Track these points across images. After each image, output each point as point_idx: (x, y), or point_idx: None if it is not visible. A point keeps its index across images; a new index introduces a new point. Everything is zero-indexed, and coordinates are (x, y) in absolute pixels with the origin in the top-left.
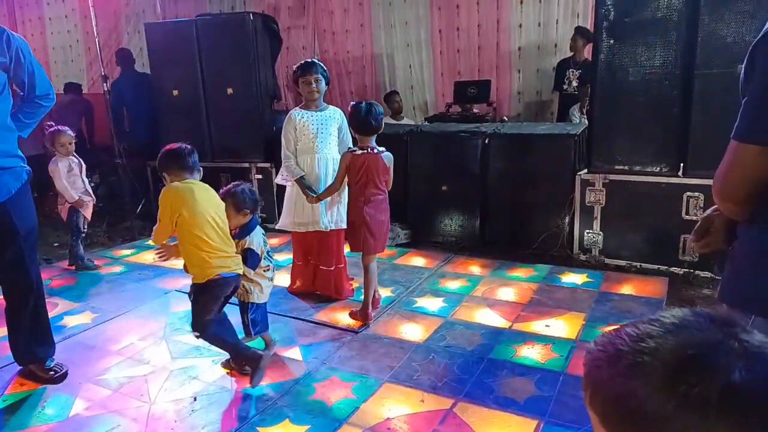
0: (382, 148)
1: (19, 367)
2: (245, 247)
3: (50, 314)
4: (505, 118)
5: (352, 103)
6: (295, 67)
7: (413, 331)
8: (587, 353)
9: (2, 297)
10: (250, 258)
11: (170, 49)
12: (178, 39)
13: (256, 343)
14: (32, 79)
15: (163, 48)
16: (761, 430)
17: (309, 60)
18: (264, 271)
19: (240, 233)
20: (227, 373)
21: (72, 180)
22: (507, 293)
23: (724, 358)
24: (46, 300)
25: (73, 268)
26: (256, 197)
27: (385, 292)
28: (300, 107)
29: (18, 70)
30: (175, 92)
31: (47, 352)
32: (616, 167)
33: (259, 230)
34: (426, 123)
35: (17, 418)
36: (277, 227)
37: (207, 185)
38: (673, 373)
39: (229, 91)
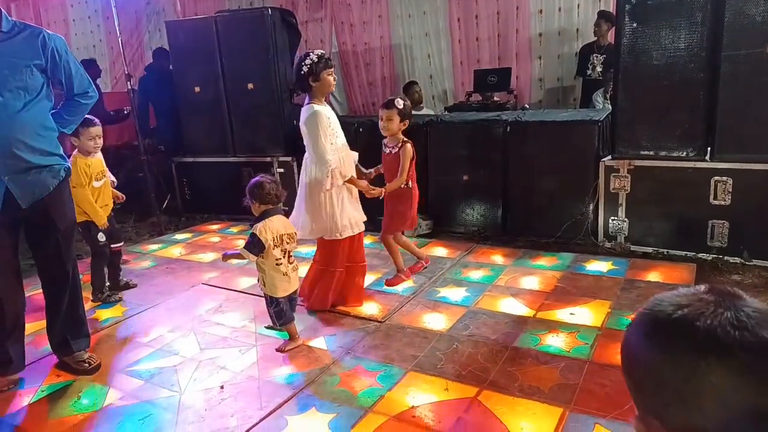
0: None
1: (56, 359)
2: (251, 231)
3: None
4: (526, 105)
5: (400, 99)
6: (315, 57)
7: (436, 321)
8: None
9: (41, 290)
10: (249, 240)
11: (191, 46)
12: (198, 36)
13: (280, 334)
14: (70, 78)
15: (183, 45)
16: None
17: (321, 52)
18: (277, 264)
19: (255, 220)
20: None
21: None
22: (531, 282)
23: (709, 319)
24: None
25: None
26: (273, 188)
27: (407, 282)
28: (315, 102)
29: (55, 71)
30: (197, 89)
31: (82, 344)
32: (641, 153)
33: (278, 221)
34: (446, 113)
35: (55, 408)
36: (328, 238)
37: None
38: (660, 327)
39: (250, 86)
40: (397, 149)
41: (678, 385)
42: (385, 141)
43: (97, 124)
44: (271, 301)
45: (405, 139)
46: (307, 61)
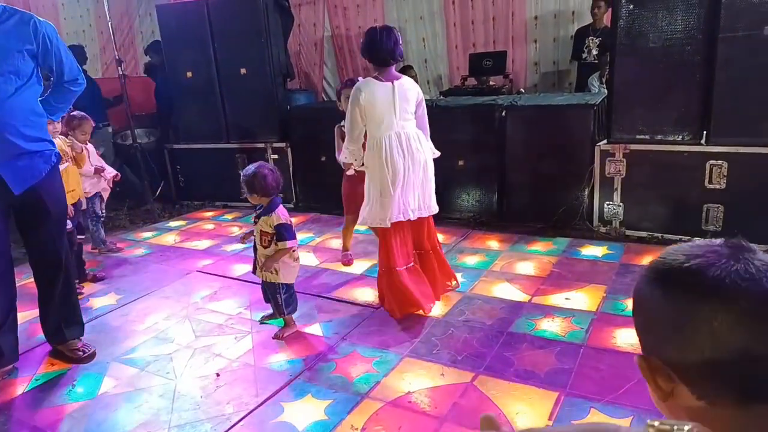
0: None
1: (50, 347)
2: (276, 223)
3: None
4: (522, 89)
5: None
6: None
7: (432, 307)
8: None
9: (33, 279)
10: (285, 231)
11: (182, 30)
12: (189, 20)
13: (275, 321)
14: (60, 65)
15: (175, 30)
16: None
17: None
18: (293, 250)
19: (265, 210)
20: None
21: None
22: (526, 267)
23: (719, 270)
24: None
25: (97, 251)
26: (275, 178)
27: None
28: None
29: (46, 57)
30: (189, 74)
31: (75, 332)
32: (637, 137)
33: (283, 208)
34: (441, 97)
35: (50, 397)
36: (391, 221)
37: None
38: (670, 270)
39: (243, 71)
40: None
41: (678, 324)
42: None
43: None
44: (285, 288)
45: None
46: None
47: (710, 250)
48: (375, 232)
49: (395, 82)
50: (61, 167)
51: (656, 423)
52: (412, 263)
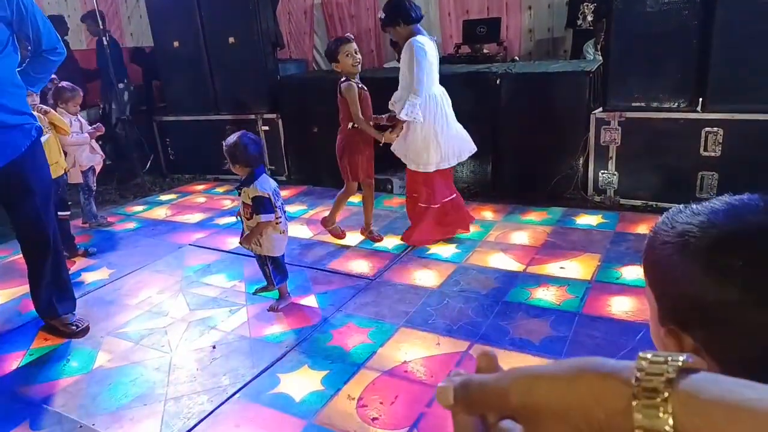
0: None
1: (42, 323)
2: (252, 195)
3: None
4: (516, 57)
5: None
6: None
7: (427, 277)
8: (650, 234)
9: (22, 254)
10: (261, 205)
11: None
12: None
13: (270, 294)
14: (37, 33)
15: None
16: None
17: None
18: (276, 223)
19: (245, 181)
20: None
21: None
22: (521, 237)
23: (755, 235)
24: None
25: (87, 225)
26: (256, 148)
27: (397, 240)
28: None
29: (21, 25)
30: (176, 44)
31: (68, 307)
32: (633, 104)
33: (267, 179)
34: None
35: (44, 371)
36: (433, 169)
37: None
38: (709, 245)
39: (231, 40)
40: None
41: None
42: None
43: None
44: (271, 260)
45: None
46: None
47: (751, 210)
48: (367, 188)
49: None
50: (42, 139)
51: (649, 355)
52: (455, 195)
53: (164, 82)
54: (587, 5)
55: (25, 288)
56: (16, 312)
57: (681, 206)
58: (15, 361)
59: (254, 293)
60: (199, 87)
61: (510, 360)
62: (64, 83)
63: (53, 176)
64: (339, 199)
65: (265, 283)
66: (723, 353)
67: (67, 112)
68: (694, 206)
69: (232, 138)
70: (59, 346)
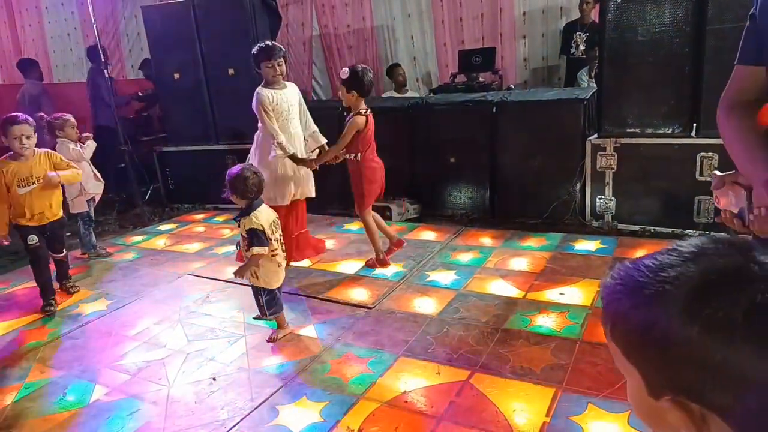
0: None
1: (41, 354)
2: (248, 227)
3: (65, 303)
4: (511, 86)
5: (346, 68)
6: (255, 50)
7: (426, 305)
8: (604, 287)
9: (24, 286)
10: (255, 237)
11: (168, 31)
12: (175, 21)
13: (269, 323)
14: None
15: (161, 31)
16: None
17: (269, 44)
18: (272, 255)
19: (243, 212)
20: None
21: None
22: (520, 263)
23: (746, 281)
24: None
25: (86, 256)
26: (257, 181)
27: (396, 267)
28: (263, 86)
29: None
30: (177, 75)
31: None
32: (627, 130)
33: (264, 211)
34: (431, 94)
35: (40, 405)
36: (273, 205)
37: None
38: (697, 299)
39: (231, 71)
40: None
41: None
42: None
43: (20, 123)
44: (265, 292)
45: (364, 110)
46: (254, 50)
47: (717, 252)
48: (367, 227)
49: None
50: (23, 190)
51: None
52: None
53: (164, 113)
54: (579, 35)
55: (23, 321)
56: (10, 345)
57: (626, 266)
58: (10, 395)
59: (255, 318)
60: (199, 117)
61: (511, 389)
62: (50, 116)
63: (41, 222)
64: (370, 234)
65: None
66: (745, 420)
67: (68, 138)
68: (646, 261)
69: (235, 169)
70: (53, 379)
